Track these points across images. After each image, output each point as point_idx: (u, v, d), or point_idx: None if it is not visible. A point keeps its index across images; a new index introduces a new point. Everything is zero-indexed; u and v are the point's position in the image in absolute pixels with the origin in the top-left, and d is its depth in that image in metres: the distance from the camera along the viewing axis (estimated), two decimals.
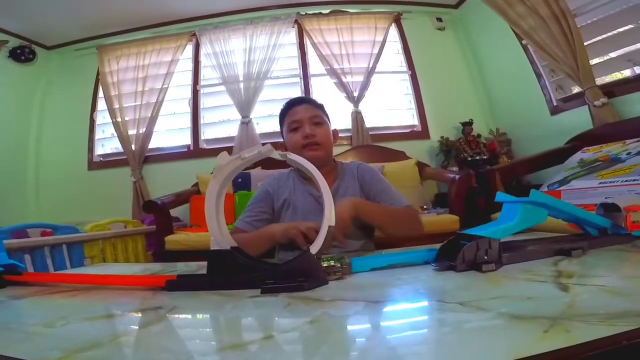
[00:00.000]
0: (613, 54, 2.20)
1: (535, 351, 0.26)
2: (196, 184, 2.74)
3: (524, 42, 2.63)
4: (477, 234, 0.57)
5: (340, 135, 1.51)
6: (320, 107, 1.11)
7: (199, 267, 0.87)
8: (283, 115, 1.11)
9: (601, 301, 0.39)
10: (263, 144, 0.64)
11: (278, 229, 0.87)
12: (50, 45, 3.43)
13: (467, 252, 0.56)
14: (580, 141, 1.92)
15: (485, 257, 0.56)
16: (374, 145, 2.95)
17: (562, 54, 2.15)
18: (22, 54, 3.19)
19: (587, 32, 2.17)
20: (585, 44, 2.11)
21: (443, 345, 0.31)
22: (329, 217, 0.62)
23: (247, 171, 2.51)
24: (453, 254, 0.57)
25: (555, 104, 2.54)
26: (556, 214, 0.70)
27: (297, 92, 3.15)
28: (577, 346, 0.27)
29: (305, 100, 1.11)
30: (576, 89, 2.34)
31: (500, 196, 0.68)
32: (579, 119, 2.22)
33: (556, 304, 0.39)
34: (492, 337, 0.31)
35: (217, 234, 0.61)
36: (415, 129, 3.16)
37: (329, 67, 3.10)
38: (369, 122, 3.05)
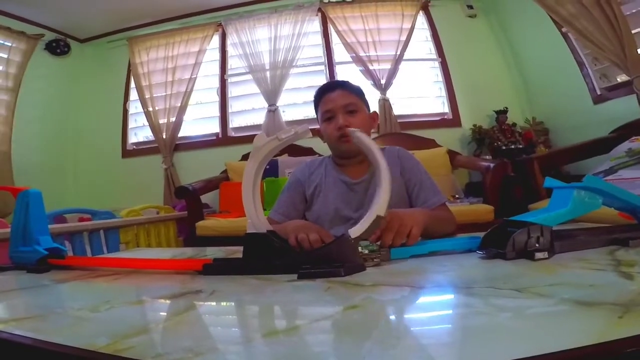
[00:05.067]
0: None
1: (612, 336, 0.25)
2: (225, 171, 2.78)
3: (563, 29, 2.49)
4: (528, 220, 0.54)
5: None
6: (356, 91, 1.05)
7: (227, 251, 0.88)
8: (317, 101, 1.06)
9: None
10: None
11: (291, 228, 0.76)
12: (83, 38, 3.53)
13: (518, 239, 0.53)
14: (628, 130, 1.81)
15: (537, 245, 0.52)
16: (403, 132, 2.88)
17: (608, 42, 2.05)
18: (58, 47, 3.30)
19: (634, 21, 2.06)
20: (632, 32, 2.00)
21: (508, 330, 0.29)
22: (381, 207, 0.59)
23: (275, 158, 2.51)
24: (500, 242, 0.54)
25: (599, 92, 2.40)
26: (611, 202, 0.65)
27: (322, 80, 3.10)
28: None
29: (339, 85, 1.04)
30: (620, 78, 2.23)
31: (549, 182, 0.64)
32: (624, 108, 2.10)
33: (623, 291, 0.36)
34: (561, 323, 0.29)
35: (254, 216, 0.61)
36: (445, 117, 3.06)
37: (354, 55, 3.04)
38: (397, 110, 2.99)
